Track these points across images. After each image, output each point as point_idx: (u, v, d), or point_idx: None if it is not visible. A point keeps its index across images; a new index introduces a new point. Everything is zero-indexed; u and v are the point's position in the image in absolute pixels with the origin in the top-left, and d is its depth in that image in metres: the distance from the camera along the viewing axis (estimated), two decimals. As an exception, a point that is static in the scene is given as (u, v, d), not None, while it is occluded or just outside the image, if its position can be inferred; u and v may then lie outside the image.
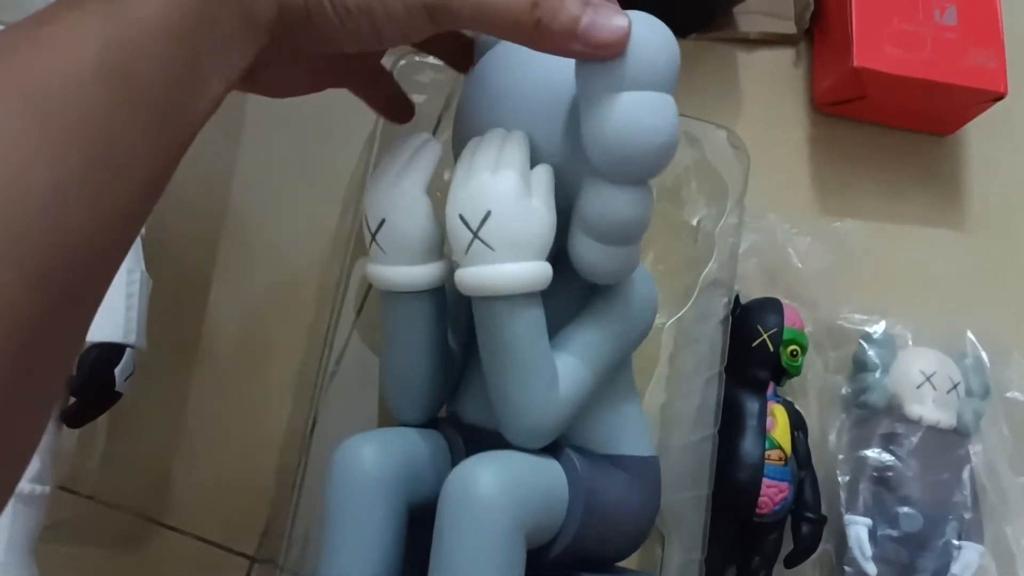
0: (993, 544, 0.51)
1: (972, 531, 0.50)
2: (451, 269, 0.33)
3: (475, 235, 0.30)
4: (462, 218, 0.30)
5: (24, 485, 0.33)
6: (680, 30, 0.59)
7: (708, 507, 0.43)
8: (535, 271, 0.30)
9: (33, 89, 0.23)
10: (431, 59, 0.41)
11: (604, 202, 0.30)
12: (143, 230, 0.38)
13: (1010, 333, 0.55)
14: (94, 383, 0.35)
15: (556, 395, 0.33)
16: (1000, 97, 0.55)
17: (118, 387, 0.35)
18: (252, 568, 0.46)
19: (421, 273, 0.32)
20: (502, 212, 0.29)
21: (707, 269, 0.48)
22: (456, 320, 0.37)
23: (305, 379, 0.45)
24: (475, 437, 0.36)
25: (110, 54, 0.24)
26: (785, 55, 0.61)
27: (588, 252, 0.32)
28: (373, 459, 0.33)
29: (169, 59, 0.25)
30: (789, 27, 0.61)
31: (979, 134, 0.61)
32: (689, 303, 0.49)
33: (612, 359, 0.35)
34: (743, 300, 0.53)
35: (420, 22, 0.28)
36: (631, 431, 0.38)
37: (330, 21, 0.28)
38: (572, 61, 0.30)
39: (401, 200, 0.31)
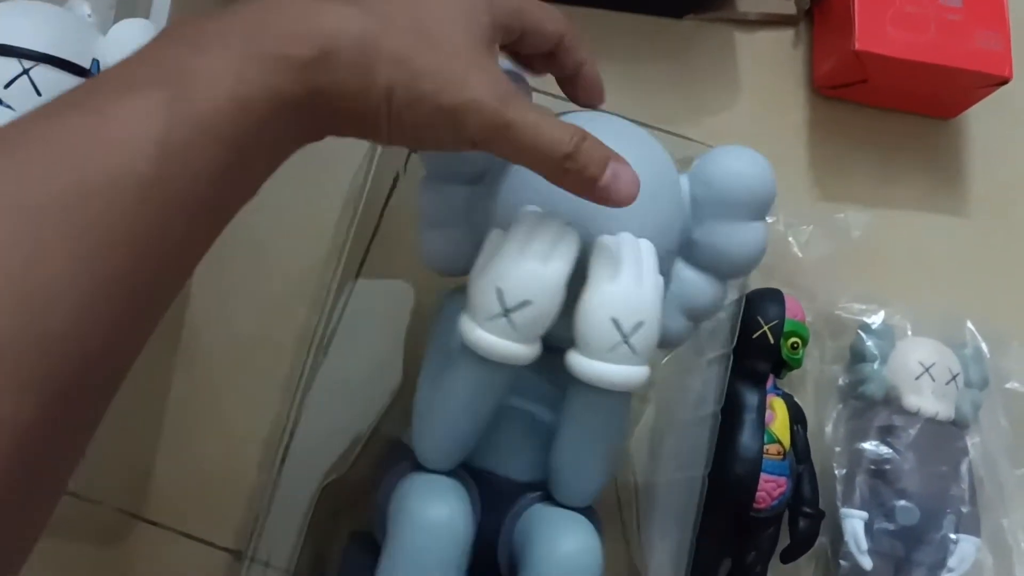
0: (990, 537, 0.50)
1: (969, 524, 0.49)
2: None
3: (626, 340, 0.33)
4: (615, 322, 0.33)
5: None
6: (677, 10, 0.58)
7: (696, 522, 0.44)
8: (648, 373, 0.35)
9: (76, 191, 0.21)
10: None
11: (702, 289, 0.39)
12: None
13: (1010, 322, 0.54)
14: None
15: (612, 468, 0.40)
16: (1005, 81, 0.54)
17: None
18: (245, 564, 0.45)
19: (533, 352, 0.34)
20: (651, 325, 0.34)
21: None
22: None
23: (288, 377, 0.44)
24: (485, 481, 0.39)
25: (169, 154, 0.23)
26: (784, 36, 0.60)
27: (678, 326, 0.39)
28: (462, 531, 0.35)
29: (224, 163, 0.24)
30: (789, 7, 0.59)
31: (981, 118, 0.59)
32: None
33: None
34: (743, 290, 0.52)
35: (462, 148, 0.30)
36: None
37: (379, 128, 0.29)
38: (667, 173, 0.38)
39: (550, 288, 0.33)
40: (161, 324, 0.46)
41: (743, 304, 0.50)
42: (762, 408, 0.48)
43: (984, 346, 0.53)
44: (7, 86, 0.35)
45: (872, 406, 0.51)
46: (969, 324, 0.53)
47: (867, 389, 0.51)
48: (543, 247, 0.33)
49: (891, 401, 0.50)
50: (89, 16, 0.40)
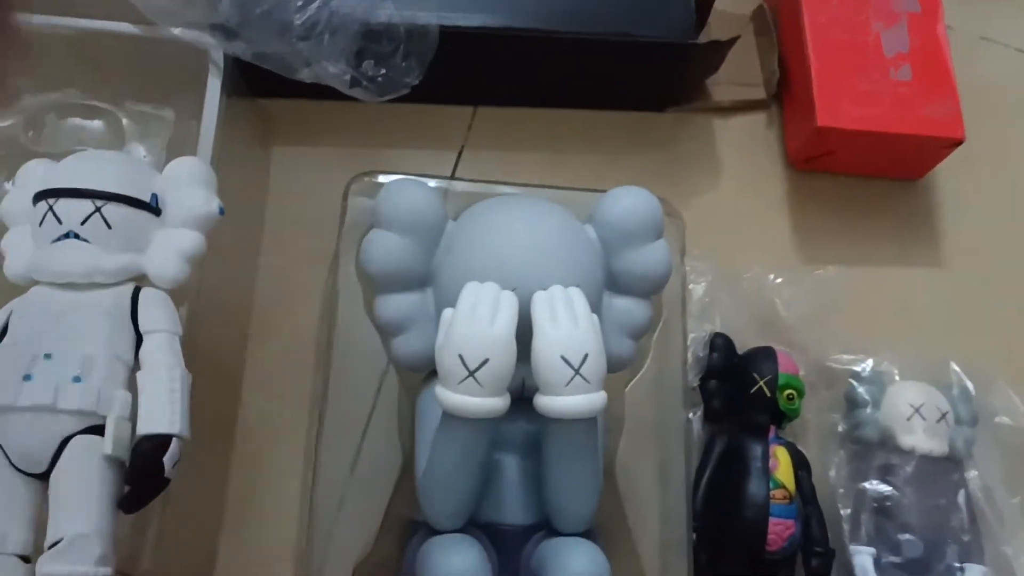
0: (994, 565, 0.53)
1: (973, 553, 0.52)
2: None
3: (577, 372, 0.38)
4: (564, 359, 0.38)
5: (89, 568, 0.36)
6: (659, 104, 0.64)
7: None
8: (605, 396, 0.39)
9: None
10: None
11: (633, 311, 0.46)
12: (181, 331, 0.41)
13: (992, 361, 0.58)
14: (146, 472, 0.38)
15: (601, 487, 0.44)
16: (958, 143, 0.60)
17: (167, 473, 0.38)
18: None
19: (504, 403, 0.39)
20: (595, 354, 0.38)
21: (658, 330, 0.52)
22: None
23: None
24: (494, 532, 0.44)
25: None
26: (758, 119, 0.66)
27: (624, 348, 0.46)
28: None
29: None
30: (759, 93, 0.66)
31: (946, 176, 0.65)
32: (646, 364, 0.53)
33: None
34: (740, 351, 0.56)
35: None
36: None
37: None
38: (574, 228, 0.45)
39: (501, 343, 0.38)
40: (216, 417, 0.51)
41: (739, 363, 0.55)
42: (766, 456, 0.52)
43: (970, 385, 0.57)
44: (83, 223, 0.41)
45: (870, 448, 0.55)
46: (953, 365, 0.57)
47: (863, 433, 0.55)
48: (487, 311, 0.38)
49: (887, 442, 0.54)
50: (145, 157, 0.46)
